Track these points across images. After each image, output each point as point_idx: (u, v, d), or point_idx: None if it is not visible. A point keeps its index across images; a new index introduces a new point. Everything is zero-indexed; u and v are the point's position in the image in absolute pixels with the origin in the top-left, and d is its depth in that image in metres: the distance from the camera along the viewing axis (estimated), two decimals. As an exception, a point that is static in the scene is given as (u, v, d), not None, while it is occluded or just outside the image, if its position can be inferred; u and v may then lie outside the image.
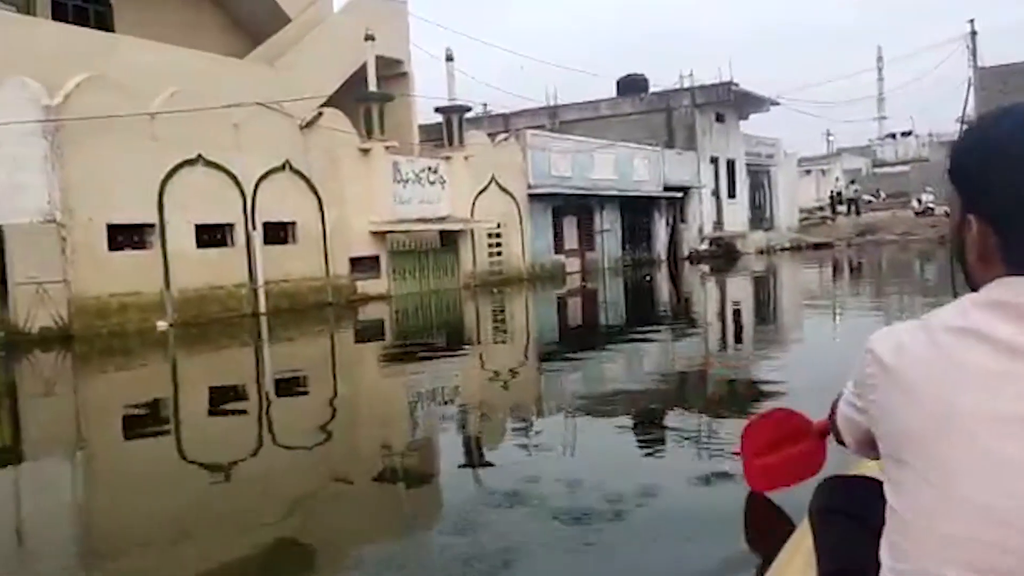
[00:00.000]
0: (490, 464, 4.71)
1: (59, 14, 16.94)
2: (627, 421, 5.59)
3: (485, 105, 32.82)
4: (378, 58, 19.41)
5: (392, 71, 20.84)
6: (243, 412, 7.15)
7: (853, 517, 1.41)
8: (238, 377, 9.40)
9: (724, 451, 4.20)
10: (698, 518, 3.25)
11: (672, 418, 5.64)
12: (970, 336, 1.02)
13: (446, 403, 6.91)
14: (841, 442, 1.40)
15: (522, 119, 28.26)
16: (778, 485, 2.99)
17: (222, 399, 7.83)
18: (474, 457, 4.94)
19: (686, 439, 4.87)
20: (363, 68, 18.44)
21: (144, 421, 6.79)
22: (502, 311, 16.11)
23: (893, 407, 1.06)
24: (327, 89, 18.50)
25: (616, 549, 3.00)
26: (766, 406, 5.78)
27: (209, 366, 10.55)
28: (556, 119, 29.66)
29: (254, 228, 15.21)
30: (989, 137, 1.06)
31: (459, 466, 4.67)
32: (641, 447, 4.92)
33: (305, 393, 8.02)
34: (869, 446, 1.21)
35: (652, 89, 31.03)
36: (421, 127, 22.47)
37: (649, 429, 5.34)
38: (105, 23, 17.60)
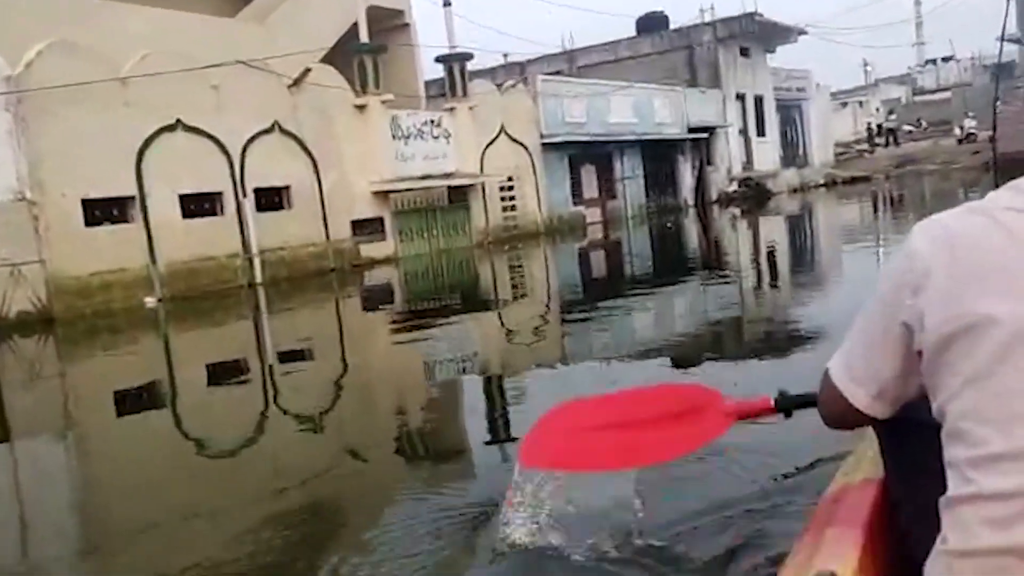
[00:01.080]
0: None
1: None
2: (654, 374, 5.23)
3: (506, 56, 31.58)
4: (376, 8, 18.48)
5: (392, 22, 19.73)
6: (243, 387, 6.69)
7: (913, 420, 1.28)
8: (235, 352, 8.67)
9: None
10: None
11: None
12: None
13: (464, 370, 6.43)
14: (837, 422, 1.34)
15: (538, 67, 26.91)
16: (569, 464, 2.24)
17: (221, 377, 7.34)
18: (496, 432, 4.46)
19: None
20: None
21: (140, 403, 6.45)
22: (518, 268, 15.43)
23: (952, 292, 1.04)
24: (323, 44, 17.45)
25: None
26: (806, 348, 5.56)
27: (203, 342, 9.93)
28: (574, 64, 28.27)
29: (244, 195, 14.40)
30: None
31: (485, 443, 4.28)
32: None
33: (306, 365, 7.52)
34: (896, 384, 1.18)
35: (673, 26, 29.43)
36: (431, 83, 21.34)
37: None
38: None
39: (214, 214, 14.22)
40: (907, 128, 42.15)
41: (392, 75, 19.24)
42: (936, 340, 1.05)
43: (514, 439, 3.98)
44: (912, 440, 1.33)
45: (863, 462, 1.62)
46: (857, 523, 1.38)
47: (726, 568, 2.40)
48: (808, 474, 2.94)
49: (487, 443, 4.24)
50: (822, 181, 32.44)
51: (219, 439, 5.08)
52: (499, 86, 20.26)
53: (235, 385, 6.89)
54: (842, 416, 1.28)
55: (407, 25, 20.05)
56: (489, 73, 24.20)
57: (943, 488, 1.07)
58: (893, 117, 42.32)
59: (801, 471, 3.02)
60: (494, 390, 5.63)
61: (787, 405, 1.70)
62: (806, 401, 1.62)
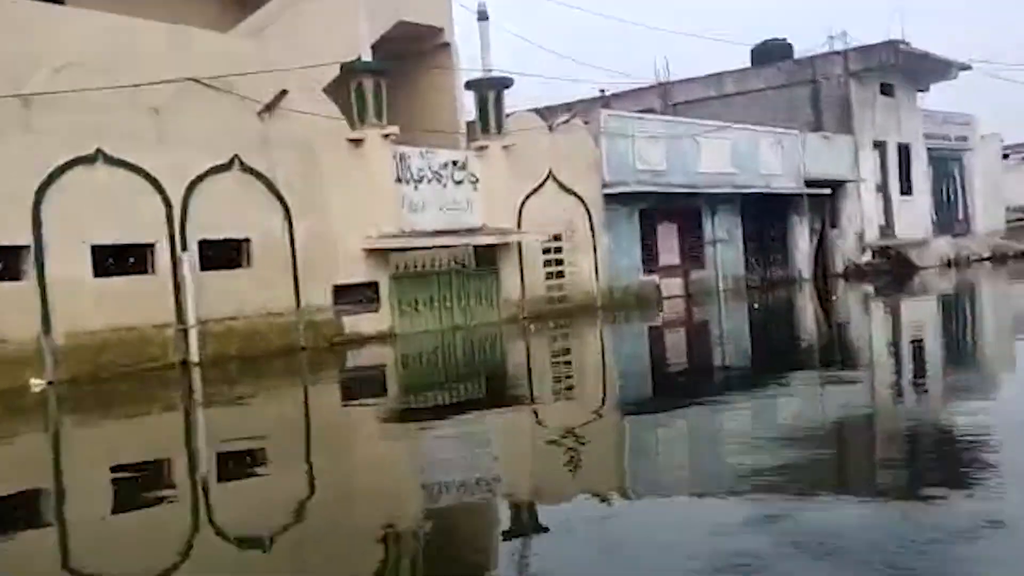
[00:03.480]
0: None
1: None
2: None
3: (603, 92, 28.29)
4: (409, 24, 15.42)
5: (429, 43, 16.53)
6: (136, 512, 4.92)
7: None
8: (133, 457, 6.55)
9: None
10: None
11: None
12: None
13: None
14: None
15: (624, 102, 23.16)
16: None
17: (106, 492, 5.48)
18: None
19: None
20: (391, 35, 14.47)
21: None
22: (562, 355, 12.30)
23: None
24: (334, 59, 14.15)
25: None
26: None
27: (91, 441, 7.64)
28: (667, 100, 24.35)
29: (184, 248, 11.40)
30: None
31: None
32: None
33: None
34: None
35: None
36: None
37: None
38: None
39: (142, 271, 11.31)
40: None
41: (426, 107, 16.12)
42: None
43: None
44: None
45: None
46: None
47: None
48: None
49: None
50: (987, 254, 26.93)
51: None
52: (550, 127, 16.52)
53: (127, 506, 5.08)
54: None
55: (446, 45, 16.61)
56: (565, 109, 20.61)
57: None
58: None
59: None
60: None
61: None
62: None
